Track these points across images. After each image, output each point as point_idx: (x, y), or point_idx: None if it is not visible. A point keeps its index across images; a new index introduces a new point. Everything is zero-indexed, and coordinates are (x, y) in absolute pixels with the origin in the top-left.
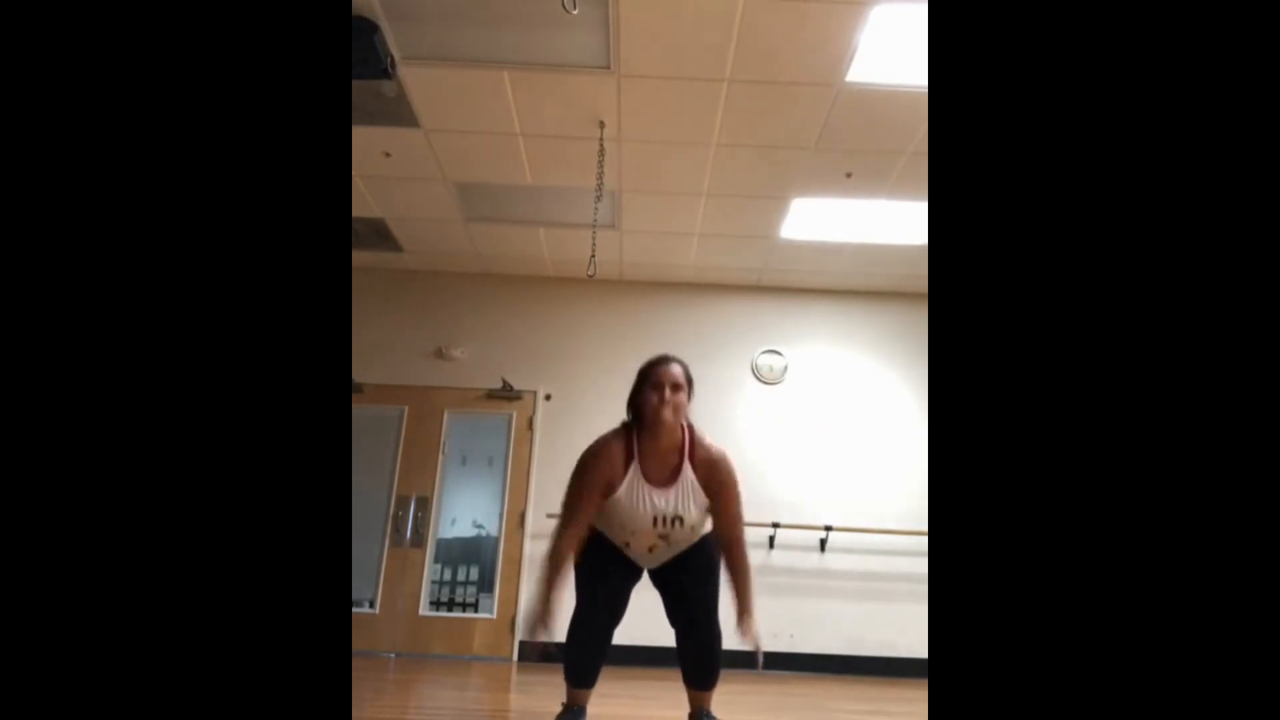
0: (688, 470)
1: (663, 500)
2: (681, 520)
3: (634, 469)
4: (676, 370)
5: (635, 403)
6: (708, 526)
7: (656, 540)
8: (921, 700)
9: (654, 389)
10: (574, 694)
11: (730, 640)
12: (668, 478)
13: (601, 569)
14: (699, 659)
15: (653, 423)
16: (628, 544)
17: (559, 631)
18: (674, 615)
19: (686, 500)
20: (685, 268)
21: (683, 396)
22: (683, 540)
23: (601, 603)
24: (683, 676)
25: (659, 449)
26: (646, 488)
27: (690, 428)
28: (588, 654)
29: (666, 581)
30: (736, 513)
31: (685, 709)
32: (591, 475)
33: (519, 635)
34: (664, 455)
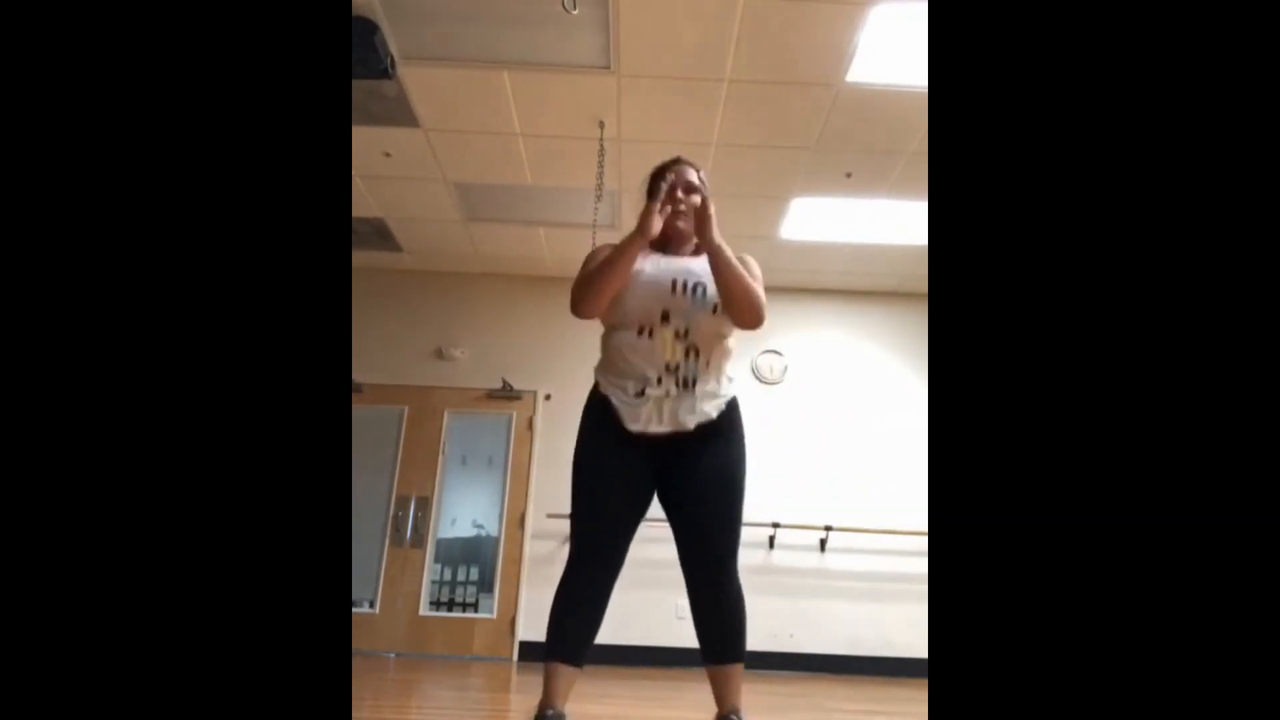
0: (703, 257)
1: (683, 266)
2: (703, 287)
3: (648, 251)
4: (688, 171)
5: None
6: (727, 391)
7: (676, 332)
8: (921, 700)
9: (667, 184)
10: (554, 676)
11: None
12: (689, 253)
13: (600, 476)
14: (713, 611)
15: (670, 231)
16: (643, 332)
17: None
18: (685, 548)
19: (706, 271)
20: None
21: (696, 198)
22: (701, 364)
23: (595, 528)
24: (701, 650)
25: (677, 240)
26: (664, 257)
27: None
28: (577, 607)
29: (681, 480)
30: (754, 270)
31: (685, 710)
32: (599, 250)
33: (518, 630)
34: (682, 244)
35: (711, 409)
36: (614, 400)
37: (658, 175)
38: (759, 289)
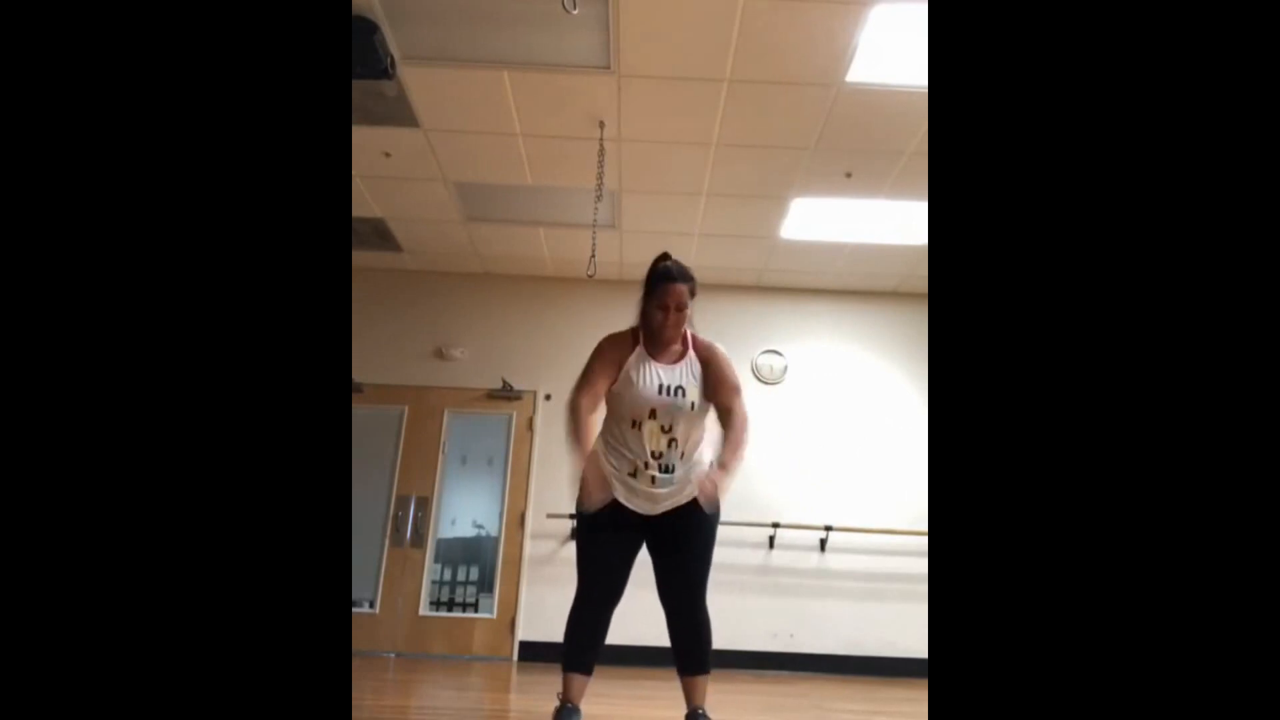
0: (690, 355)
1: (667, 373)
2: (684, 390)
3: (639, 351)
4: (680, 290)
5: (641, 312)
6: (707, 457)
7: (663, 423)
8: (921, 700)
9: (660, 309)
10: (571, 682)
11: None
12: (671, 360)
13: (600, 543)
14: (690, 635)
15: (658, 339)
16: (634, 472)
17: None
18: (665, 585)
19: (687, 374)
20: None
21: (686, 314)
22: (686, 432)
23: (602, 581)
24: (676, 665)
25: (663, 346)
26: (651, 363)
27: (690, 334)
28: (588, 634)
29: (664, 540)
30: (734, 379)
31: (684, 709)
32: (603, 352)
33: (518, 630)
34: (667, 348)
35: (685, 496)
36: (612, 478)
37: (651, 287)
38: (739, 414)
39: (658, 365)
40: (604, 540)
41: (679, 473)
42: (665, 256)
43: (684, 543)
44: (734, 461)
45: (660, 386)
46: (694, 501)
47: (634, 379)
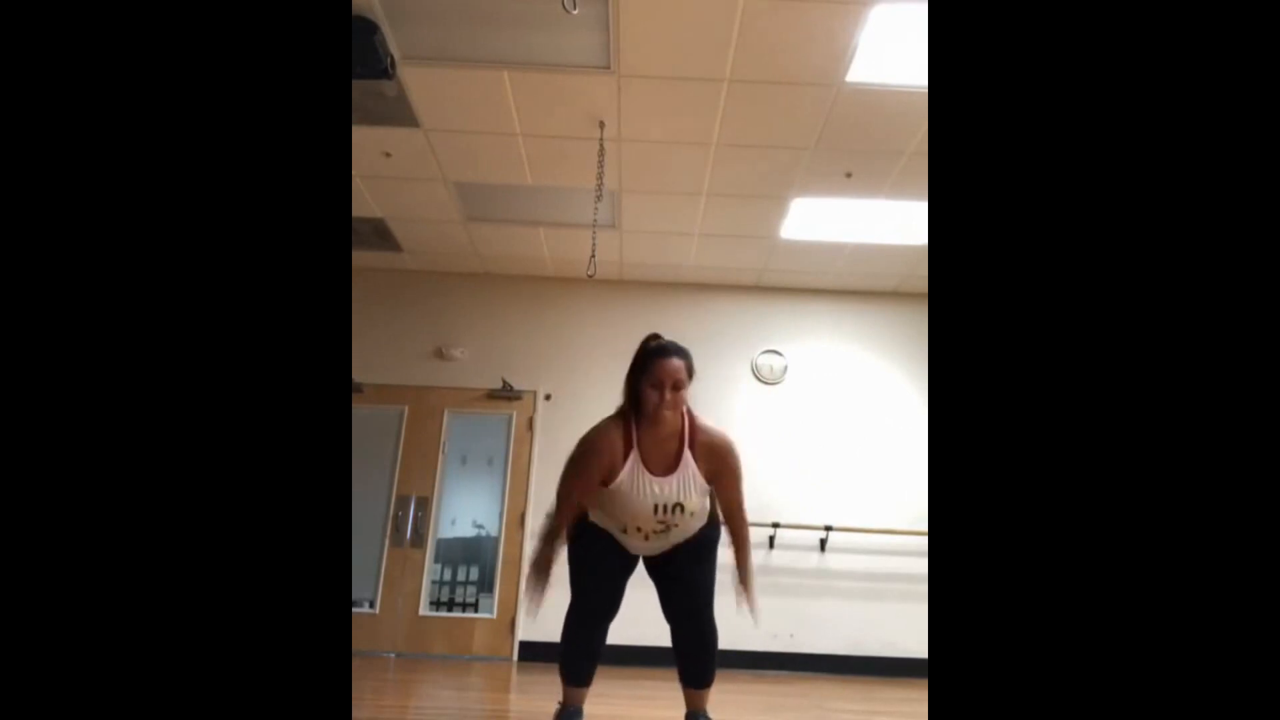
0: (688, 457)
1: (663, 488)
2: (682, 507)
3: (634, 458)
4: (676, 366)
5: (633, 392)
6: (703, 518)
7: (656, 527)
8: (921, 700)
9: (653, 387)
10: (570, 693)
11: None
12: (668, 465)
13: (595, 561)
14: (695, 653)
15: (653, 420)
16: (625, 530)
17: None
18: (669, 606)
19: (688, 488)
20: (685, 268)
21: (684, 393)
22: (683, 528)
23: (596, 597)
24: (679, 674)
25: (659, 437)
26: (646, 476)
27: (689, 414)
28: (583, 650)
29: (663, 570)
30: (738, 497)
31: (683, 709)
32: (589, 463)
33: (518, 630)
34: (664, 443)
35: (685, 536)
36: (601, 524)
37: (643, 365)
38: (742, 529)
39: (653, 479)
40: (601, 550)
41: (677, 531)
42: (656, 337)
43: (688, 562)
44: (749, 573)
45: (656, 506)
46: (694, 536)
47: (626, 493)
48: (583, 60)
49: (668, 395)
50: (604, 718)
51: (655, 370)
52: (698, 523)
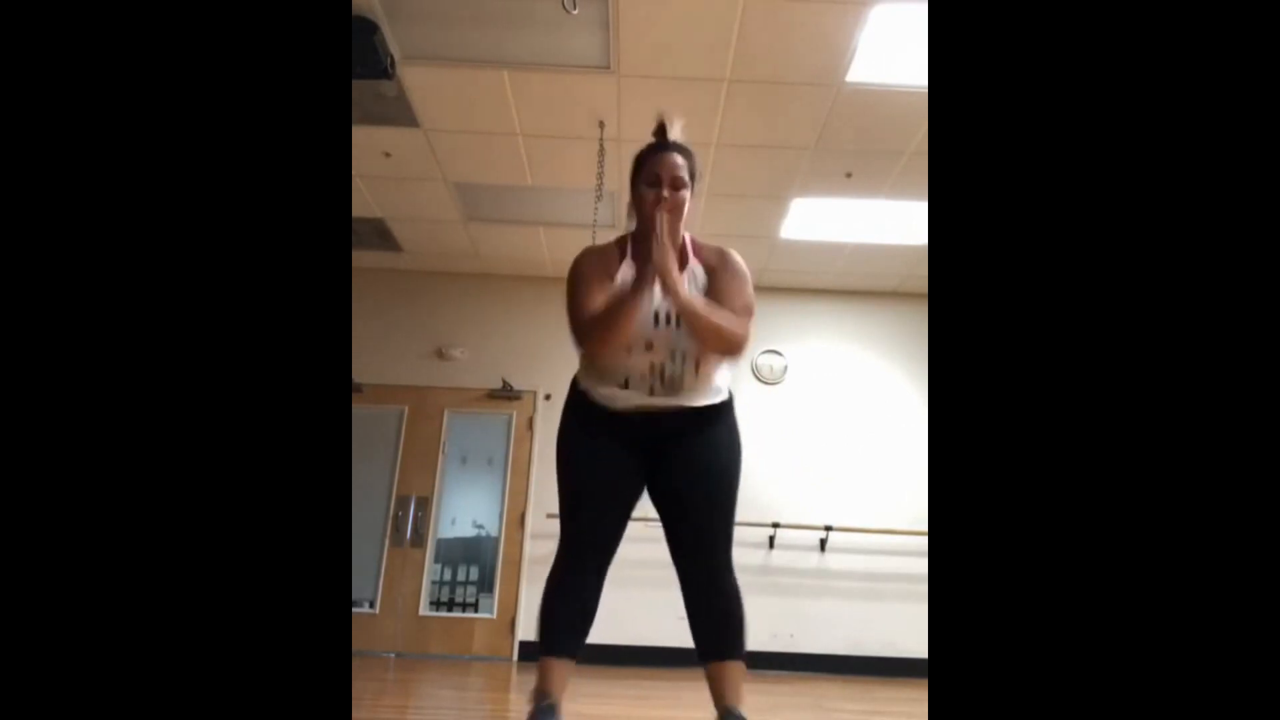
0: (693, 263)
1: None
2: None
3: (628, 264)
4: (675, 162)
5: (633, 198)
6: (723, 390)
7: (660, 357)
8: (921, 700)
9: (649, 184)
10: (550, 670)
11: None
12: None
13: (589, 471)
14: (705, 604)
15: (648, 228)
16: (625, 380)
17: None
18: (675, 534)
19: (691, 289)
20: None
21: (685, 195)
22: (690, 368)
23: (592, 522)
24: (697, 649)
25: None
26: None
27: (691, 238)
28: (575, 602)
29: (668, 470)
30: (745, 296)
31: (684, 709)
32: (588, 266)
33: (518, 630)
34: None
35: (700, 400)
36: (595, 393)
37: (640, 163)
38: (738, 322)
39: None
40: (593, 464)
41: (688, 388)
42: (661, 131)
43: (696, 479)
44: (704, 309)
45: (656, 314)
46: (708, 415)
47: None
48: (583, 60)
49: (666, 193)
50: (603, 718)
51: (652, 165)
52: (707, 375)
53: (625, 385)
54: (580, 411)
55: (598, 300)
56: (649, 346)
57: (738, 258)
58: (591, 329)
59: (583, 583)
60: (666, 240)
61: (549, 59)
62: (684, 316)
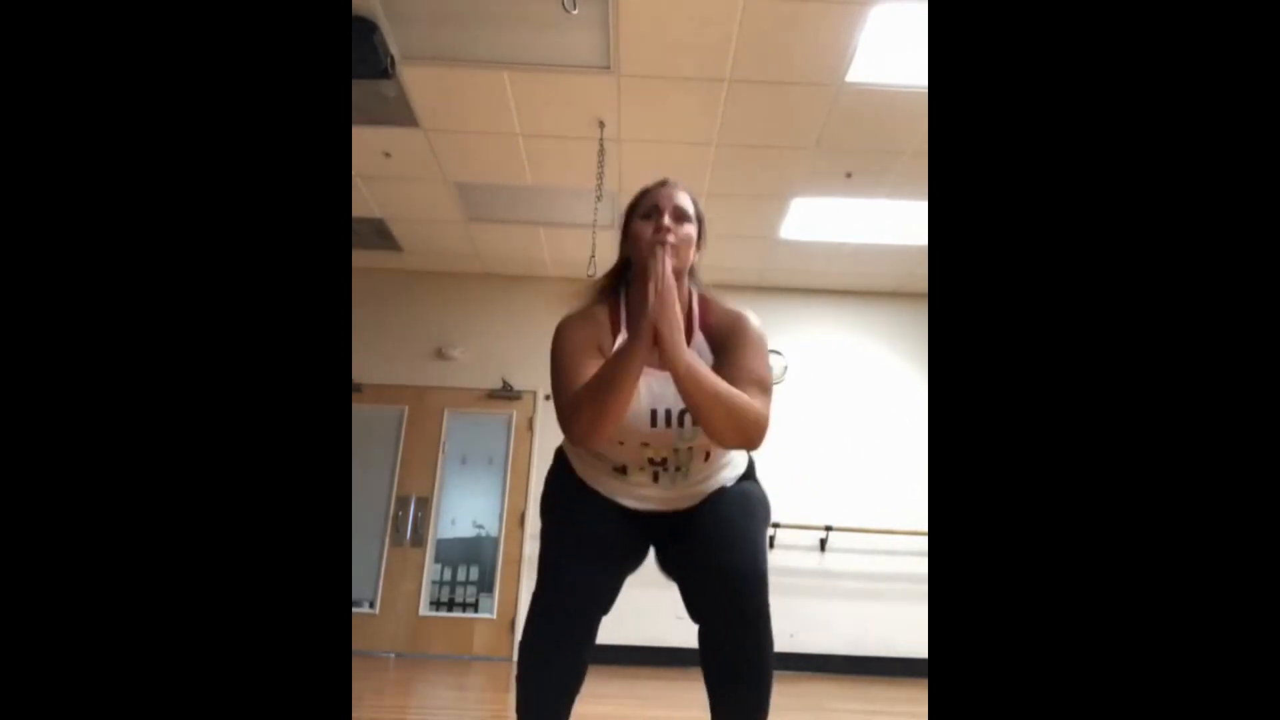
0: (699, 339)
1: (663, 385)
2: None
3: (622, 337)
4: (679, 193)
5: (625, 239)
6: (740, 464)
7: (660, 453)
8: (921, 700)
9: (645, 218)
10: None
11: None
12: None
13: (578, 541)
14: (737, 664)
15: (644, 280)
16: (624, 469)
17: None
18: (697, 598)
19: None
20: None
21: (690, 230)
22: (699, 461)
23: (573, 572)
24: (711, 707)
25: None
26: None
27: (698, 293)
28: (548, 665)
29: (682, 544)
30: (759, 370)
31: (684, 710)
32: (572, 341)
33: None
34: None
35: (714, 485)
36: (589, 483)
37: (633, 206)
38: (753, 403)
39: (649, 370)
40: (587, 509)
41: (696, 476)
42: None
43: (720, 518)
44: (710, 385)
45: (655, 412)
46: (724, 489)
47: None
48: (583, 60)
49: (666, 223)
50: (603, 718)
51: (649, 198)
52: (721, 459)
53: (624, 472)
54: (572, 489)
55: (587, 377)
56: (645, 447)
57: (753, 323)
58: (580, 406)
59: (558, 638)
60: (666, 285)
61: (549, 59)
62: (684, 389)
